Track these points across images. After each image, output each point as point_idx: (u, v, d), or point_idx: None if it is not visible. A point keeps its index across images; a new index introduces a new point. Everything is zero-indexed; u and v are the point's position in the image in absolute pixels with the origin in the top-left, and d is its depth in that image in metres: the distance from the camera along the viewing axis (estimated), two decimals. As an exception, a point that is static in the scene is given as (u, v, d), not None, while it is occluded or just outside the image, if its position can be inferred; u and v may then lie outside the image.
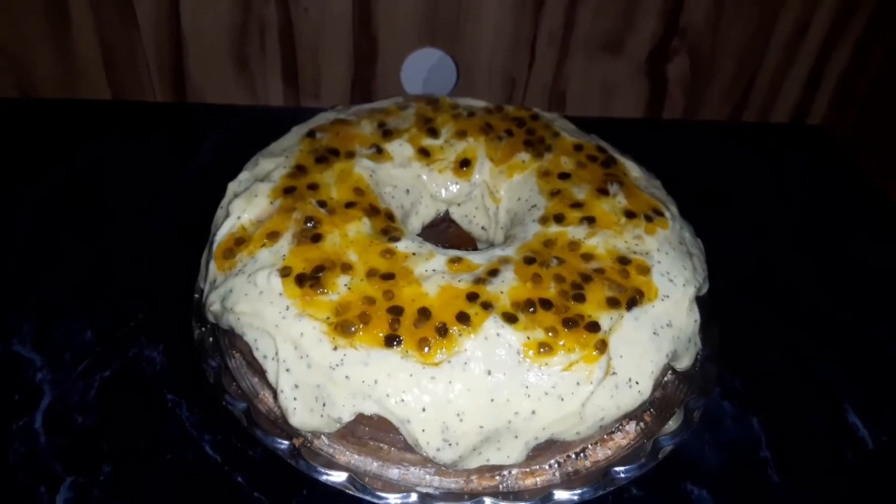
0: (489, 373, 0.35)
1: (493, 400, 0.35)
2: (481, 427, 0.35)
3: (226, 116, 0.66)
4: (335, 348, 0.35)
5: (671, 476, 0.41)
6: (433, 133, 0.48)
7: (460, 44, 0.66)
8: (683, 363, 0.40)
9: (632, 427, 0.41)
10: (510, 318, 0.36)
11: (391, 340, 0.35)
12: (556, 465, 0.39)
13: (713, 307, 0.44)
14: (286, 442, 0.38)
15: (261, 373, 0.40)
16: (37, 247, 0.51)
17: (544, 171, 0.47)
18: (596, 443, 0.41)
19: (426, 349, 0.35)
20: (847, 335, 0.51)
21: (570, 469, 0.39)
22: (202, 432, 0.40)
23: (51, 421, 0.40)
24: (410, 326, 0.36)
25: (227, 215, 0.42)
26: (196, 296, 0.45)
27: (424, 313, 0.36)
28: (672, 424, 0.41)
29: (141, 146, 0.62)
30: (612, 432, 0.41)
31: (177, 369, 0.44)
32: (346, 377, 0.35)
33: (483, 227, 0.49)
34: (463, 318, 0.36)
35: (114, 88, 0.66)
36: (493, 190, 0.48)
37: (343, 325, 0.36)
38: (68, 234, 0.53)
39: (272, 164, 0.45)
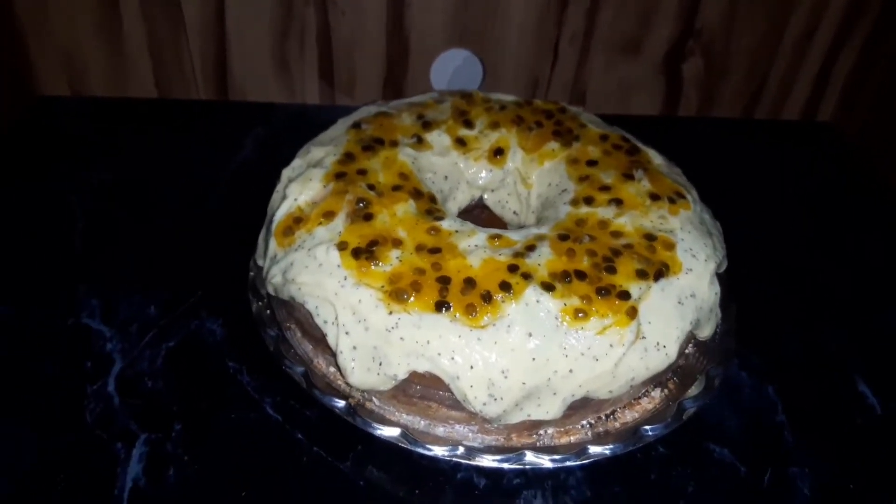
0: (530, 335, 0.38)
1: (534, 359, 0.38)
2: (523, 384, 0.38)
3: (266, 113, 0.70)
4: (390, 313, 0.39)
5: (695, 437, 0.44)
6: (468, 125, 0.52)
7: (487, 44, 0.70)
8: (705, 332, 0.44)
9: (657, 393, 0.45)
10: (548, 287, 0.40)
11: (441, 306, 0.39)
12: (588, 426, 0.43)
13: (730, 289, 0.47)
14: (343, 401, 0.41)
15: (316, 340, 0.44)
16: (98, 232, 0.55)
17: (573, 158, 0.50)
18: (624, 406, 0.44)
19: (473, 314, 0.38)
20: (855, 316, 0.54)
21: (601, 430, 0.43)
22: (263, 395, 0.44)
23: (122, 385, 0.44)
24: (458, 294, 0.39)
25: (284, 198, 0.46)
26: (251, 273, 0.49)
27: (470, 283, 0.40)
28: (694, 390, 0.44)
29: (188, 141, 0.66)
30: (639, 398, 0.44)
31: (236, 340, 0.47)
32: (401, 338, 0.38)
33: (515, 213, 0.53)
34: (505, 287, 0.39)
35: (160, 87, 0.70)
36: (524, 176, 0.51)
37: (397, 293, 0.39)
38: (126, 220, 0.57)
39: (322, 152, 0.49)
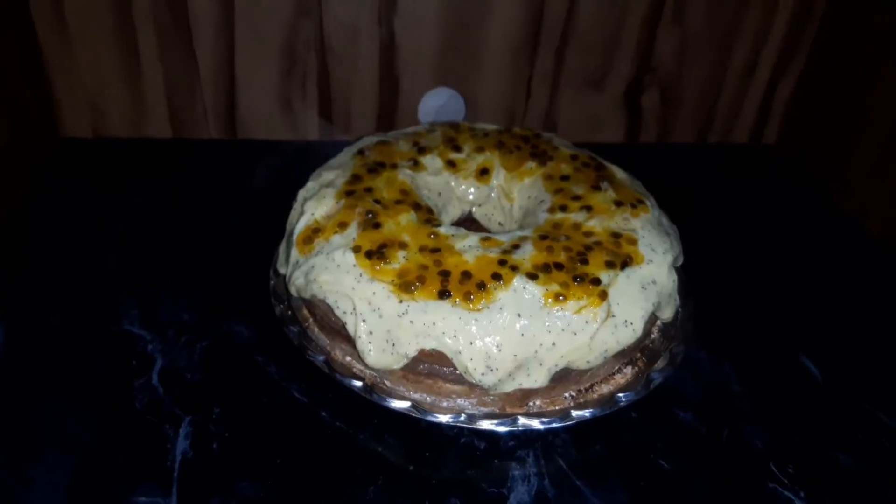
0: (519, 315, 0.46)
1: (522, 335, 0.45)
2: (515, 356, 0.45)
3: (271, 149, 0.78)
4: (400, 301, 0.46)
5: (662, 405, 0.51)
6: (457, 149, 0.60)
7: (468, 83, 0.79)
8: (666, 314, 0.51)
9: (629, 370, 0.52)
10: (532, 276, 0.47)
11: (443, 294, 0.46)
12: (570, 398, 0.50)
13: (689, 284, 0.55)
14: (360, 382, 0.48)
15: (335, 332, 0.50)
16: (133, 250, 0.62)
17: (548, 175, 0.58)
18: (601, 381, 0.51)
19: (470, 300, 0.46)
20: (798, 304, 0.62)
21: (581, 401, 0.50)
22: (289, 383, 0.51)
23: (165, 378, 0.50)
24: (457, 284, 0.47)
25: (302, 213, 0.53)
26: (271, 281, 0.56)
27: (466, 275, 0.47)
28: (660, 365, 0.52)
29: (204, 174, 0.74)
30: (614, 374, 0.52)
31: (262, 337, 0.54)
32: (411, 322, 0.45)
33: (500, 223, 0.60)
34: (496, 277, 0.47)
35: (174, 127, 0.78)
36: (507, 192, 0.59)
37: (405, 285, 0.46)
38: (156, 239, 0.64)
39: (333, 175, 0.56)
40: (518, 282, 0.47)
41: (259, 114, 0.78)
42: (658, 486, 0.45)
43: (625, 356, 0.50)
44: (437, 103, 0.80)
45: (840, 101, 0.77)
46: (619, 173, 0.59)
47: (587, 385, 0.51)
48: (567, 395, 0.50)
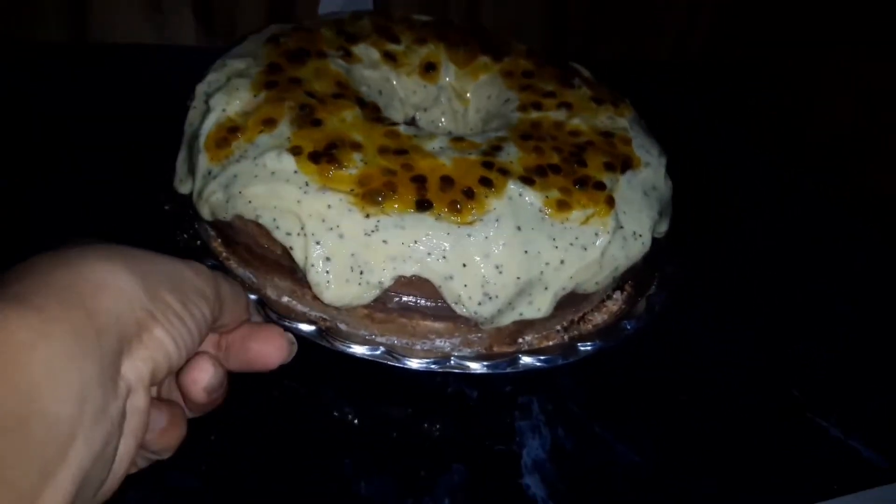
0: (519, 228, 0.36)
1: (526, 252, 0.36)
2: (518, 278, 0.36)
3: (135, 55, 0.61)
4: (367, 216, 0.35)
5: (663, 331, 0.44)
6: (394, 39, 0.49)
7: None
8: (663, 227, 0.44)
9: (618, 295, 0.44)
10: (527, 181, 0.38)
11: (422, 204, 0.35)
12: (562, 331, 0.41)
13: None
14: (311, 326, 0.36)
15: (266, 264, 0.38)
16: None
17: (507, 71, 0.48)
18: (592, 310, 0.43)
19: (458, 209, 0.35)
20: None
21: (575, 333, 0.42)
22: (207, 335, 0.38)
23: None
24: (437, 192, 0.36)
25: (208, 111, 0.40)
26: (166, 207, 0.42)
27: (447, 181, 0.37)
28: (653, 289, 0.45)
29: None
30: (603, 301, 0.44)
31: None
32: (384, 241, 0.35)
33: (449, 133, 0.50)
34: (485, 182, 0.37)
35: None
36: (460, 92, 0.49)
37: (370, 195, 0.35)
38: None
39: (243, 64, 0.43)
40: (513, 188, 0.37)
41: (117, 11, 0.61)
42: (686, 423, 0.38)
43: (628, 273, 0.42)
44: (337, 8, 0.67)
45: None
46: (584, 71, 0.51)
47: (580, 315, 0.42)
48: (558, 327, 0.41)
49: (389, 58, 0.47)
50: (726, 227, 0.52)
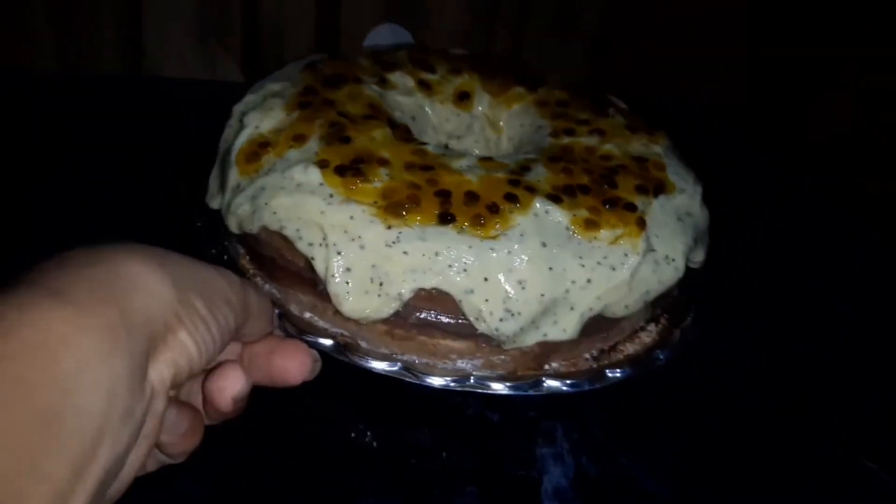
0: (544, 244, 0.35)
1: (551, 269, 0.35)
2: (542, 295, 0.35)
3: (187, 91, 0.64)
4: (389, 227, 0.35)
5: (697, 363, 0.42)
6: (429, 69, 0.49)
7: (419, 19, 0.68)
8: (699, 256, 0.42)
9: (652, 327, 0.43)
10: (555, 199, 0.37)
11: (445, 217, 0.35)
12: (592, 359, 0.40)
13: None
14: (330, 340, 0.36)
15: (290, 278, 0.38)
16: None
17: (541, 101, 0.48)
18: (625, 340, 0.41)
19: (481, 223, 0.35)
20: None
21: (605, 363, 0.40)
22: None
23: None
24: (461, 206, 0.36)
25: (243, 127, 0.41)
26: (198, 223, 0.43)
27: (472, 196, 0.36)
28: (688, 322, 0.43)
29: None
30: (637, 332, 0.42)
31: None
32: (405, 252, 0.34)
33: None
34: (511, 198, 0.36)
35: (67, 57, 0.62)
36: (493, 121, 0.49)
37: (393, 207, 0.35)
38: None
39: (279, 87, 0.44)
40: (539, 205, 0.36)
41: (171, 48, 0.64)
42: (717, 455, 0.36)
43: (661, 299, 0.40)
44: (383, 42, 0.69)
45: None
46: (619, 103, 0.50)
47: (611, 344, 0.41)
48: (587, 356, 0.40)
49: (424, 86, 0.48)
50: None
